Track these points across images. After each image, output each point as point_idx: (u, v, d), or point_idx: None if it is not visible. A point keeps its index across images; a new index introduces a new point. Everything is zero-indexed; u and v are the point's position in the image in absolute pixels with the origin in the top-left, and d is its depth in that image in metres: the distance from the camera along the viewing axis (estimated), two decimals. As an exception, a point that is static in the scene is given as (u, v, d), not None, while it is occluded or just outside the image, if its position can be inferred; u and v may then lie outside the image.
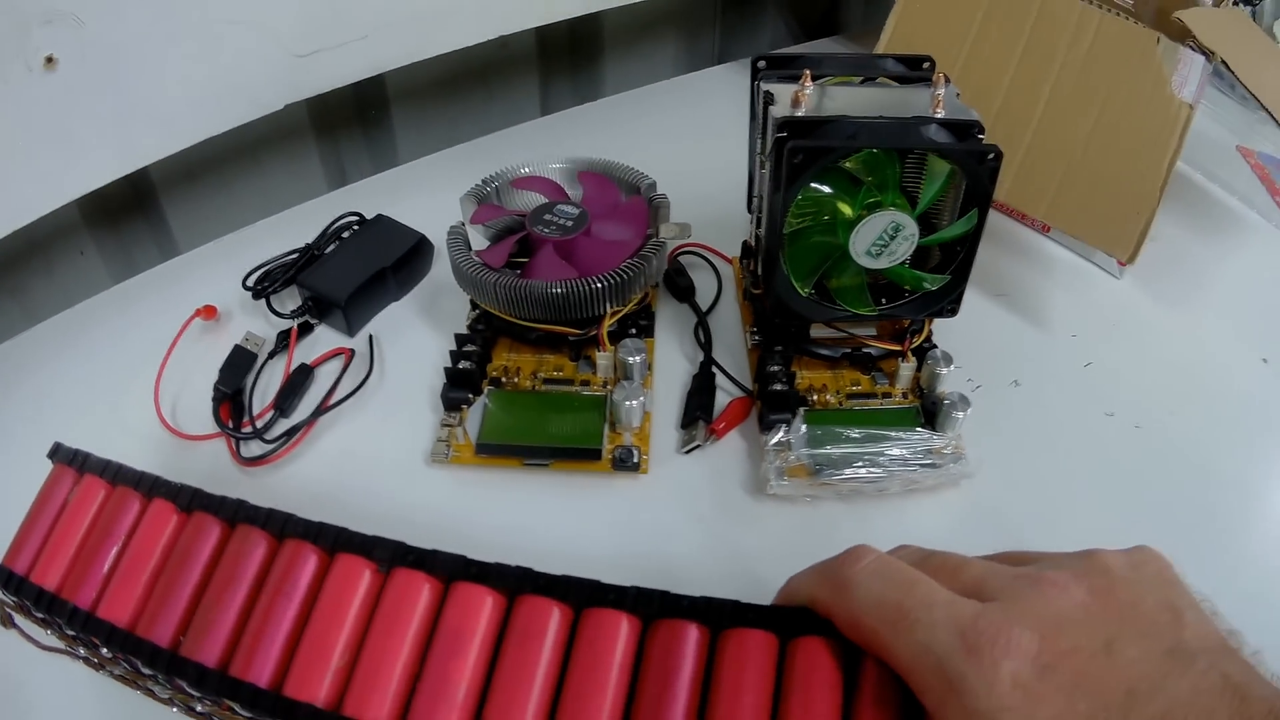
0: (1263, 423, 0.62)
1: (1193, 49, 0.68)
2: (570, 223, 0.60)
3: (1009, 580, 0.34)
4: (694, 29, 0.97)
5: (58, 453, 0.47)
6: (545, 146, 0.82)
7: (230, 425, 0.59)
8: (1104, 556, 0.34)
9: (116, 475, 0.44)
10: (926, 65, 0.62)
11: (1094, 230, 0.71)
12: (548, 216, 0.61)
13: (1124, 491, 0.58)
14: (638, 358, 0.58)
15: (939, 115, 0.55)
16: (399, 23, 0.70)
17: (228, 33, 0.64)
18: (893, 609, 0.33)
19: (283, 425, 0.59)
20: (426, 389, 0.61)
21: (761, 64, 0.61)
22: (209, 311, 0.64)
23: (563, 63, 0.90)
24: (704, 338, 0.64)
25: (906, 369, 0.60)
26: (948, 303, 0.59)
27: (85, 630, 0.40)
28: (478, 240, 0.63)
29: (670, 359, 0.64)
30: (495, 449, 0.57)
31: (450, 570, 0.38)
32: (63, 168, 0.62)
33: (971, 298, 0.57)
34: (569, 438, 0.57)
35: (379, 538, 0.39)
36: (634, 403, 0.56)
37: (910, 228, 0.55)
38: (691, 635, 0.36)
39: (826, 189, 0.55)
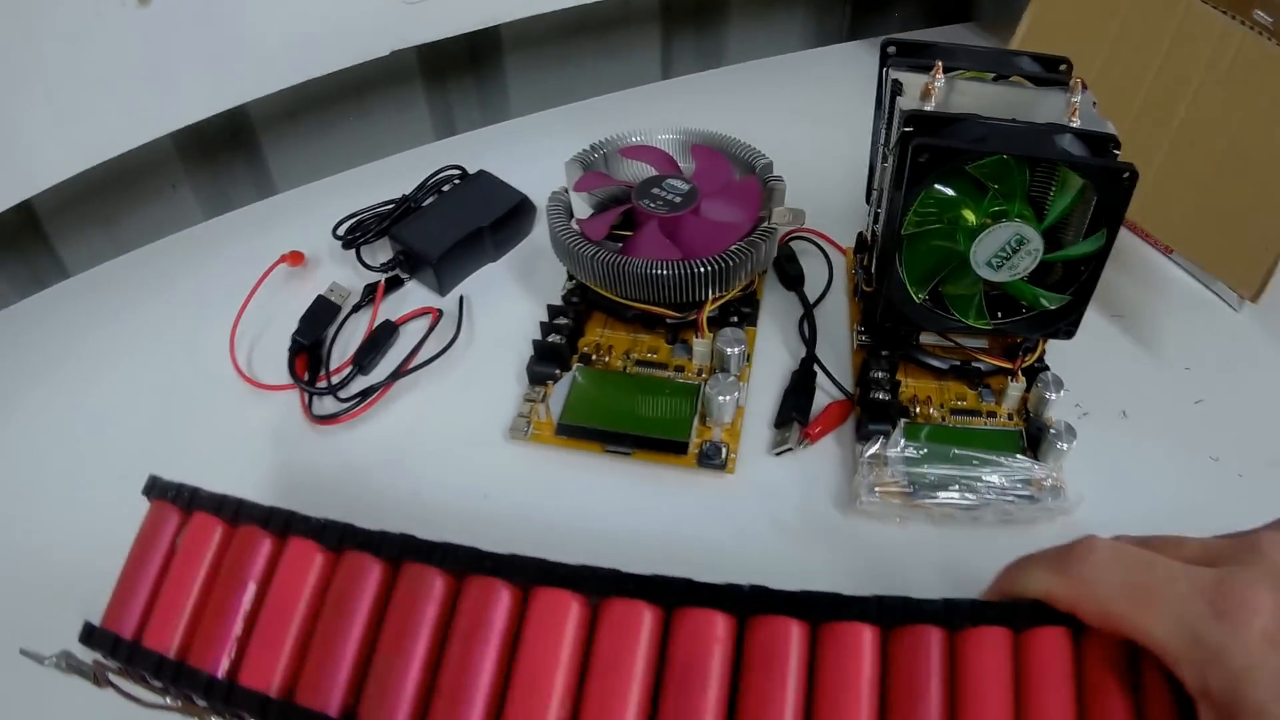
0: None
1: None
2: (679, 199, 0.56)
3: (1232, 548, 0.35)
4: (825, 2, 0.91)
5: (154, 488, 0.39)
6: (662, 112, 0.75)
7: (305, 379, 0.55)
8: (1262, 541, 0.35)
9: (237, 513, 0.37)
10: (1064, 68, 0.56)
11: (1219, 260, 0.65)
12: (655, 190, 0.56)
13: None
14: (736, 349, 0.54)
15: (1074, 124, 0.49)
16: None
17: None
18: (1140, 590, 0.34)
19: (361, 383, 0.56)
20: (515, 358, 0.57)
21: (892, 49, 0.55)
22: (295, 258, 0.61)
23: (686, 25, 0.85)
24: (808, 333, 0.59)
25: (1015, 389, 0.55)
26: (1065, 324, 0.53)
27: (229, 703, 0.33)
28: (581, 208, 0.58)
29: (772, 350, 0.59)
30: (576, 431, 0.53)
31: (673, 596, 0.33)
32: (153, 103, 0.59)
33: (1087, 317, 0.51)
34: (655, 427, 0.53)
35: (585, 568, 0.33)
36: (727, 398, 0.52)
37: (1035, 241, 0.49)
38: (934, 639, 0.33)
39: (951, 191, 0.50)
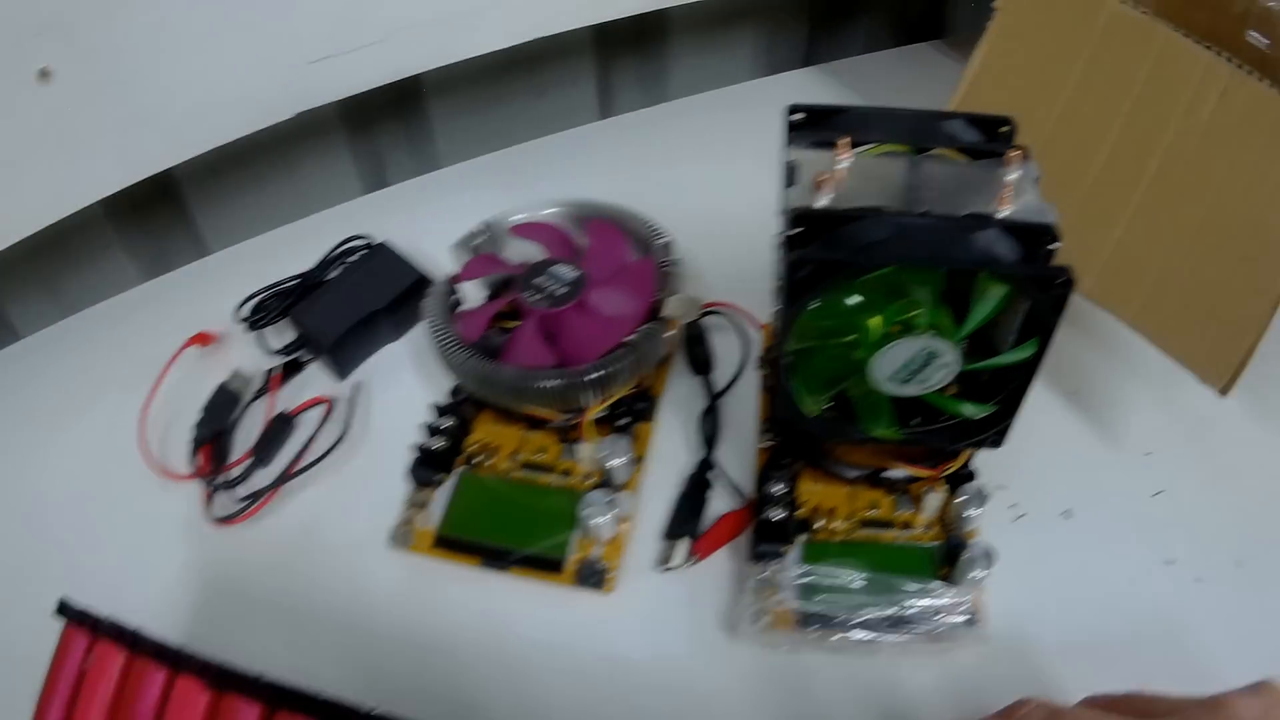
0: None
1: None
2: (564, 290, 0.48)
3: (1202, 713, 0.33)
4: (778, 25, 0.78)
5: (65, 610, 0.38)
6: (599, 155, 0.69)
7: (210, 471, 0.51)
8: (1234, 705, 0.32)
9: (135, 643, 0.36)
10: (1005, 129, 0.45)
11: (1188, 346, 0.51)
12: (539, 280, 0.49)
13: (1166, 661, 0.44)
14: (618, 461, 0.47)
15: (1003, 214, 0.40)
16: (422, 24, 0.57)
17: (232, 39, 0.54)
18: None
19: (261, 475, 0.51)
20: (407, 453, 0.51)
21: (797, 115, 0.46)
22: (204, 339, 0.56)
23: (625, 58, 0.74)
24: (709, 431, 0.51)
25: (935, 498, 0.47)
26: (991, 434, 0.44)
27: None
28: (477, 293, 0.52)
29: (672, 448, 0.52)
30: (454, 544, 0.47)
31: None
32: (64, 179, 0.54)
33: (1037, 394, 0.41)
34: (533, 541, 0.47)
35: None
36: (602, 519, 0.45)
37: (948, 355, 0.40)
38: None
39: (850, 298, 0.41)
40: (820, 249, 0.40)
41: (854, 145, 0.44)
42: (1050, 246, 0.40)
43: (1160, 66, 0.51)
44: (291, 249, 0.60)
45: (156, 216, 0.62)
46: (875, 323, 0.41)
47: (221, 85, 0.55)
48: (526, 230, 0.52)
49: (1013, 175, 0.42)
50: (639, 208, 0.57)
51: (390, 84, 0.59)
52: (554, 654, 0.45)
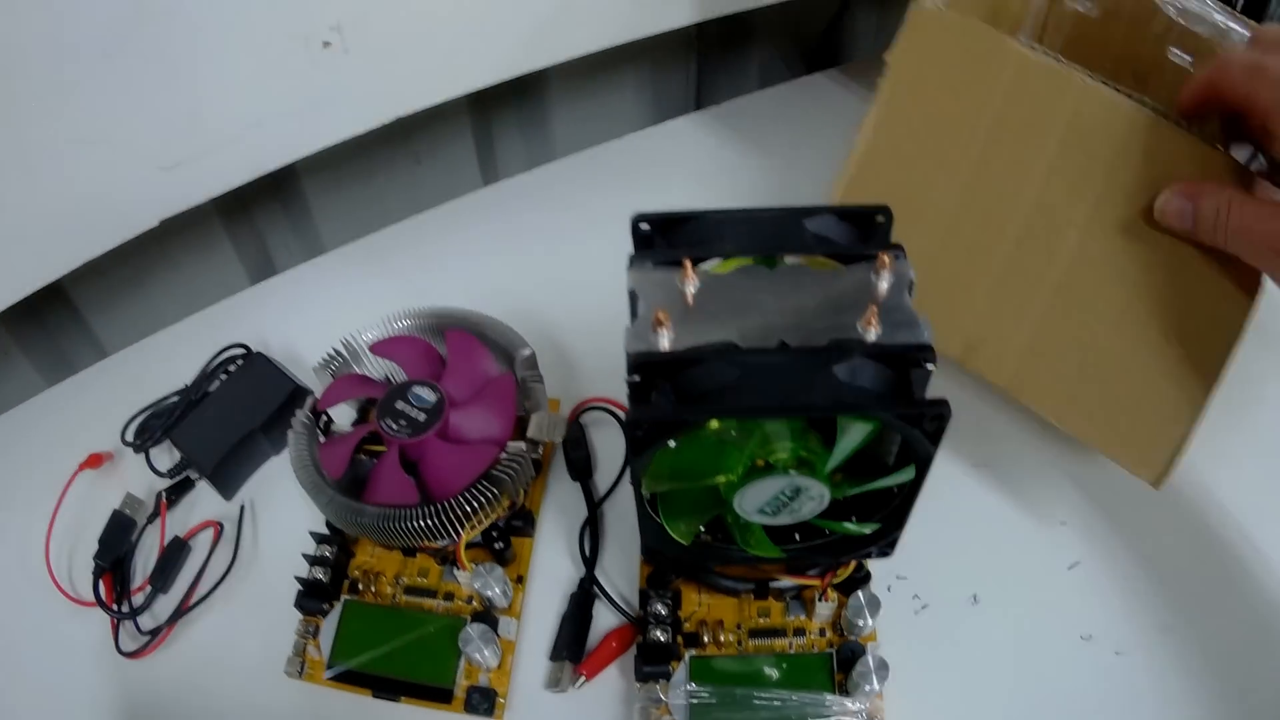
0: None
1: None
2: (423, 415, 0.43)
3: None
4: (664, 66, 0.69)
5: None
6: (484, 227, 0.61)
7: (113, 600, 0.46)
8: None
9: None
10: (881, 220, 0.38)
11: (1115, 439, 0.43)
12: (400, 405, 0.43)
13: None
14: (494, 589, 0.42)
15: (871, 335, 0.33)
16: (272, 119, 0.50)
17: (77, 153, 0.47)
18: None
19: (163, 601, 0.47)
20: (296, 572, 0.45)
21: (644, 225, 0.39)
22: (94, 461, 0.51)
23: (505, 116, 0.65)
24: (589, 547, 0.46)
25: (826, 606, 0.41)
26: (880, 546, 0.39)
27: None
28: (347, 414, 0.46)
29: (554, 562, 0.46)
30: (344, 674, 0.43)
31: None
32: None
33: (941, 466, 0.34)
34: (421, 670, 0.42)
35: None
36: (485, 651, 0.41)
37: (816, 489, 0.35)
38: None
39: (705, 438, 0.35)
40: (658, 406, 0.33)
41: (706, 258, 0.38)
42: (925, 367, 0.34)
43: (1077, 122, 0.41)
44: (180, 349, 0.55)
45: (51, 320, 0.56)
46: (727, 475, 0.35)
47: (76, 201, 0.48)
48: (384, 349, 0.46)
49: (883, 283, 0.35)
50: (520, 288, 0.52)
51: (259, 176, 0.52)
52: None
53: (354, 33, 0.50)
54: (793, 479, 0.34)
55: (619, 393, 0.50)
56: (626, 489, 0.48)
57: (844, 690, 0.40)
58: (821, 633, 0.42)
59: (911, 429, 0.33)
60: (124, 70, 0.45)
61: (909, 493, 0.36)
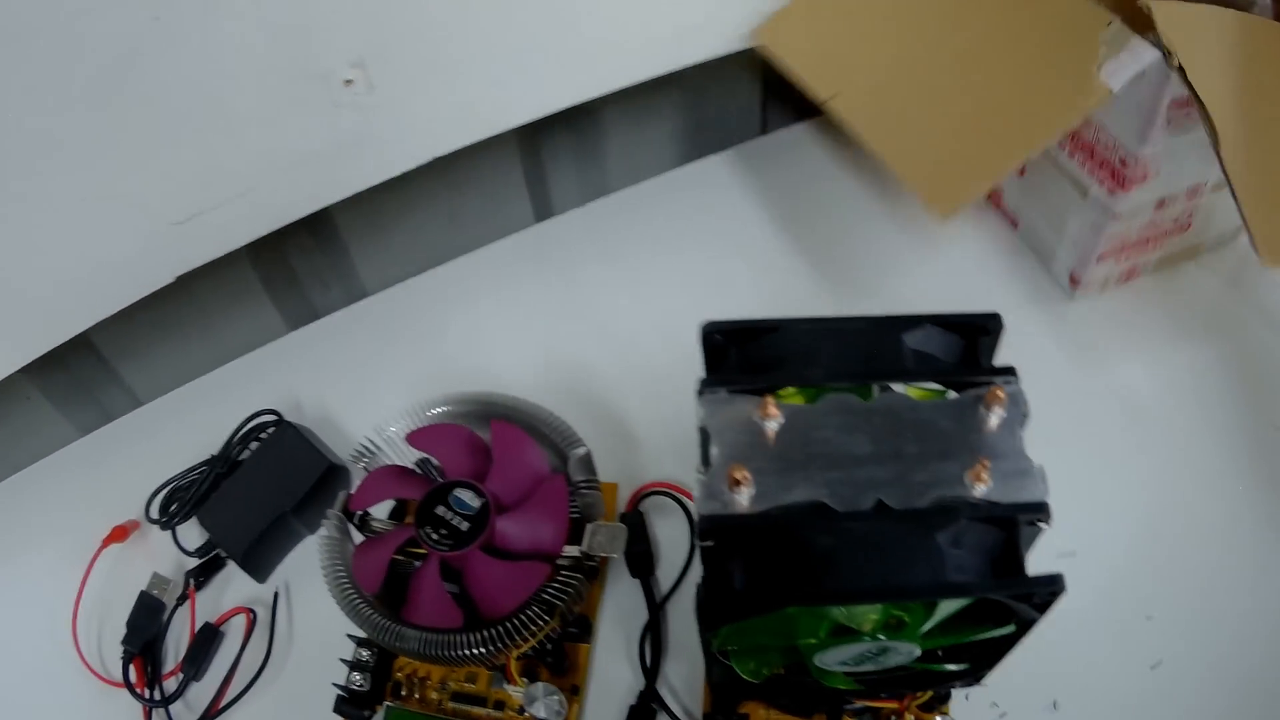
0: None
1: (1152, 44, 0.43)
2: (466, 524, 0.39)
3: None
4: (730, 94, 0.60)
5: None
6: (535, 265, 0.58)
7: (144, 686, 0.45)
8: None
9: None
10: (988, 333, 0.33)
11: (925, 179, 0.50)
12: (440, 510, 0.39)
13: None
14: (547, 710, 0.39)
15: (978, 491, 0.29)
16: (288, 168, 0.46)
17: (85, 211, 0.43)
18: None
19: (196, 690, 0.45)
20: (335, 668, 0.42)
21: (717, 336, 0.34)
22: (120, 534, 0.49)
23: (556, 145, 0.58)
24: (650, 656, 0.42)
25: (907, 726, 0.38)
26: (969, 678, 0.35)
27: None
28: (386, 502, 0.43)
29: (614, 667, 0.43)
30: (387, 788, 0.41)
31: None
32: None
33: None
34: (470, 788, 0.40)
35: None
36: (534, 785, 0.38)
37: (904, 648, 0.31)
38: None
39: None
40: (730, 594, 0.30)
41: (792, 385, 0.33)
42: (1038, 528, 0.30)
43: None
44: (215, 402, 0.53)
45: (75, 366, 0.53)
46: (807, 640, 0.31)
47: (88, 260, 0.44)
48: (422, 441, 0.42)
49: (994, 419, 0.31)
50: (574, 344, 0.48)
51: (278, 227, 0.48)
52: None
53: (378, 68, 0.44)
54: (880, 642, 0.31)
55: (683, 472, 0.47)
56: (691, 585, 0.44)
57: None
58: (903, 756, 0.39)
59: (1021, 604, 0.29)
60: (123, 122, 0.41)
61: (1006, 644, 0.33)
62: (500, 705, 0.41)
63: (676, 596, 0.44)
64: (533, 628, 0.37)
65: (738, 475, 0.30)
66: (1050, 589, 0.28)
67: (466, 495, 0.40)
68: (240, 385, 0.54)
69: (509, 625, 0.37)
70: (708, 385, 0.32)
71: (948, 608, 0.30)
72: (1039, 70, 0.48)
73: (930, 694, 0.38)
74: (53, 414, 0.54)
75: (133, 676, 0.45)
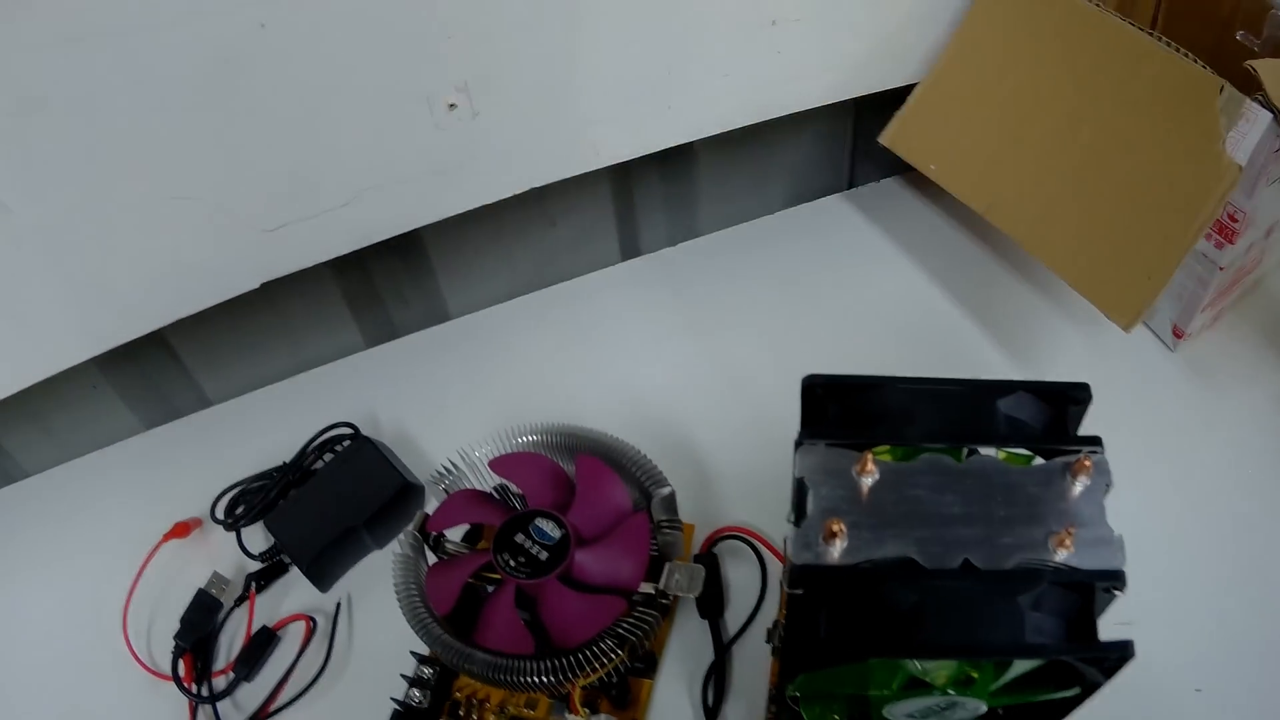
0: None
1: (1261, 104, 0.46)
2: (545, 554, 0.40)
3: None
4: (819, 145, 0.62)
5: None
6: (622, 305, 0.59)
7: (192, 683, 0.45)
8: None
9: None
10: (1079, 403, 0.34)
11: (1099, 288, 0.52)
12: (519, 538, 0.40)
13: None
14: (607, 747, 0.39)
15: (1060, 556, 0.30)
16: (384, 186, 0.47)
17: (176, 209, 0.44)
18: None
19: (246, 691, 0.45)
20: (393, 684, 0.43)
21: (817, 389, 0.35)
22: (181, 530, 0.50)
23: (648, 184, 0.60)
24: (714, 696, 0.43)
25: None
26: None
27: None
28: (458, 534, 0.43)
29: (676, 703, 0.43)
30: (437, 809, 0.41)
31: None
32: (22, 351, 0.47)
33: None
34: (526, 815, 0.41)
35: None
36: (590, 816, 0.38)
37: (972, 704, 0.32)
38: None
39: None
40: (817, 642, 0.31)
41: (889, 442, 0.34)
42: (1113, 595, 0.31)
43: (1103, 39, 0.52)
44: (287, 411, 0.54)
45: (148, 364, 0.54)
46: (880, 691, 0.32)
47: (174, 258, 0.46)
48: (505, 468, 0.43)
49: (1078, 488, 0.32)
50: (657, 384, 0.50)
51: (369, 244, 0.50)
52: None
53: (482, 94, 0.46)
54: (948, 698, 0.32)
55: (758, 517, 0.48)
56: (758, 630, 0.45)
57: None
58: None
59: (1093, 669, 0.30)
60: (223, 127, 0.43)
61: (1069, 706, 0.34)
62: (559, 733, 0.42)
63: (743, 640, 0.44)
64: (603, 660, 0.38)
65: (834, 528, 0.30)
66: (1120, 654, 0.29)
67: (547, 525, 0.41)
68: (313, 396, 0.55)
69: (579, 656, 0.38)
70: (807, 437, 0.33)
71: (1020, 668, 0.31)
72: (1170, 151, 0.49)
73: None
74: (117, 404, 0.56)
75: (182, 672, 0.45)
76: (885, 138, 0.58)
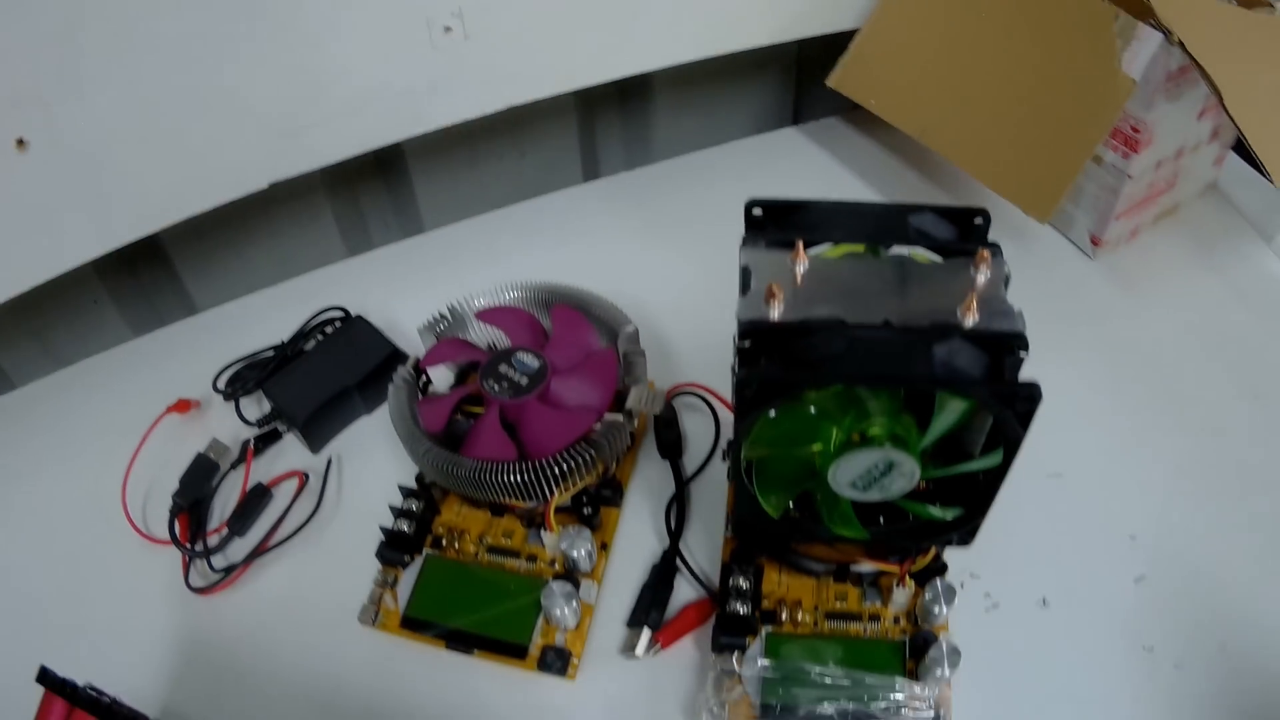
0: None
1: (1153, 27, 0.54)
2: (525, 380, 0.46)
3: None
4: (767, 82, 0.73)
5: (45, 678, 0.37)
6: (581, 217, 0.66)
7: (187, 539, 0.49)
8: None
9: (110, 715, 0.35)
10: (979, 221, 0.41)
11: (1018, 190, 0.60)
12: (503, 368, 0.46)
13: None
14: (580, 551, 0.44)
15: (969, 322, 0.36)
16: (394, 96, 0.54)
17: (202, 110, 0.51)
18: None
19: (238, 545, 0.49)
20: (375, 529, 0.48)
21: (756, 210, 0.42)
22: (182, 406, 0.54)
23: (610, 118, 0.70)
24: (675, 521, 0.48)
25: (903, 593, 0.44)
26: (959, 534, 0.41)
27: None
28: (445, 376, 0.49)
29: (639, 533, 0.49)
30: (419, 624, 0.45)
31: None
32: (39, 246, 0.52)
33: (1017, 473, 0.37)
34: (498, 626, 0.45)
35: None
36: (566, 609, 0.43)
37: (908, 465, 0.37)
38: None
39: (806, 409, 0.38)
40: (768, 367, 0.36)
41: (815, 243, 0.41)
42: (1018, 355, 0.37)
43: None
44: (274, 312, 0.59)
45: (145, 274, 0.60)
46: (822, 442, 0.37)
47: (193, 157, 0.52)
48: (490, 316, 0.49)
49: (981, 277, 0.39)
50: (618, 277, 0.55)
51: (369, 150, 0.56)
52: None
53: (474, 20, 0.54)
54: (887, 452, 0.37)
55: (711, 380, 0.54)
56: (712, 471, 0.51)
57: (914, 676, 0.42)
58: (896, 620, 0.44)
59: (1005, 409, 0.36)
60: (255, 30, 0.49)
61: (994, 478, 0.39)
62: (533, 559, 0.46)
63: (700, 481, 0.50)
64: (577, 463, 0.43)
65: (774, 290, 0.37)
66: (1030, 392, 0.35)
67: (527, 357, 0.47)
68: (300, 299, 0.59)
69: (557, 457, 0.43)
70: (749, 239, 0.40)
71: (945, 420, 0.37)
72: (1075, 72, 0.58)
73: (928, 560, 0.44)
74: (115, 317, 0.60)
75: (178, 531, 0.49)
76: (832, 80, 0.66)
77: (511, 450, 0.44)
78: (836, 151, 0.71)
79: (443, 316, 0.49)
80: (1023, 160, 0.60)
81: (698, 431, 0.52)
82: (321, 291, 0.59)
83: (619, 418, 0.45)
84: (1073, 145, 0.58)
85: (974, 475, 0.39)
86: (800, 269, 0.38)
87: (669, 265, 0.61)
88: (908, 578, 0.43)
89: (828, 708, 0.41)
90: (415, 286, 0.59)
